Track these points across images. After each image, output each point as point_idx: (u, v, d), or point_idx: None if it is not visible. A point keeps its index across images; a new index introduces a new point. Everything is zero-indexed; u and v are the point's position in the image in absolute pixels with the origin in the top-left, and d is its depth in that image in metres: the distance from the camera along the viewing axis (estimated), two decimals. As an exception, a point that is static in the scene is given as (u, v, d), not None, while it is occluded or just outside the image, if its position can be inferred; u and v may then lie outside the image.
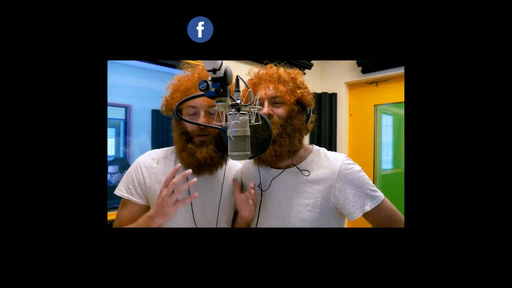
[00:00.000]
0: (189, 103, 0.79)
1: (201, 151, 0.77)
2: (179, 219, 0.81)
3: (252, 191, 0.81)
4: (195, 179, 0.71)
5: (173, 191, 0.70)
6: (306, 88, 0.83)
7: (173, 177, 0.71)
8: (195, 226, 0.83)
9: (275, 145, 0.77)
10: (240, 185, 0.98)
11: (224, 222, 0.89)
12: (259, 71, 0.85)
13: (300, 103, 0.82)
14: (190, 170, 0.71)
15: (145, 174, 0.83)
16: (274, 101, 0.80)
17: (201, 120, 0.78)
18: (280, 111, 0.79)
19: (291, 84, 0.80)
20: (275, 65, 0.86)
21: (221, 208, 0.87)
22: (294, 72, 0.84)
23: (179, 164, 0.75)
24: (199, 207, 0.84)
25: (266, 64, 0.87)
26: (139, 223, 0.76)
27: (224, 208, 0.88)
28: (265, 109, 0.79)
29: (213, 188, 0.88)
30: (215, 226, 0.86)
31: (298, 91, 0.80)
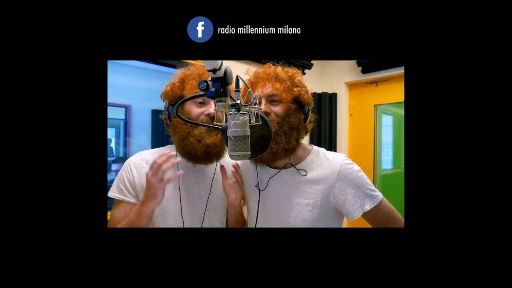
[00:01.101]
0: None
1: (210, 136, 0.79)
2: (167, 214, 0.82)
3: (237, 176, 0.86)
4: (178, 159, 0.76)
5: (157, 172, 0.71)
6: (304, 86, 0.83)
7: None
8: (181, 221, 0.83)
9: (271, 142, 0.77)
10: None
11: (217, 222, 0.89)
12: (257, 70, 0.85)
13: (298, 102, 0.82)
14: (173, 152, 0.73)
15: (135, 174, 0.83)
16: (271, 99, 0.80)
17: (212, 108, 0.80)
18: (277, 109, 0.80)
19: (288, 83, 0.81)
20: (273, 64, 0.86)
21: (210, 205, 0.87)
22: (292, 71, 0.85)
23: (168, 151, 0.75)
24: (187, 201, 0.85)
25: (264, 63, 0.87)
26: (132, 213, 0.77)
27: (214, 205, 0.88)
28: (262, 107, 0.79)
29: (203, 186, 0.88)
30: (201, 222, 0.86)
31: (295, 89, 0.80)
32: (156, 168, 0.71)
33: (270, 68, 0.83)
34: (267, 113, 0.79)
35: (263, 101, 0.80)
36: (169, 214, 0.83)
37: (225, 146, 0.82)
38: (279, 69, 0.83)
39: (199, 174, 0.88)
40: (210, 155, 0.81)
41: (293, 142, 0.81)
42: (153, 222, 0.81)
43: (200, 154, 0.80)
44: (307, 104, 0.83)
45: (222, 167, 0.87)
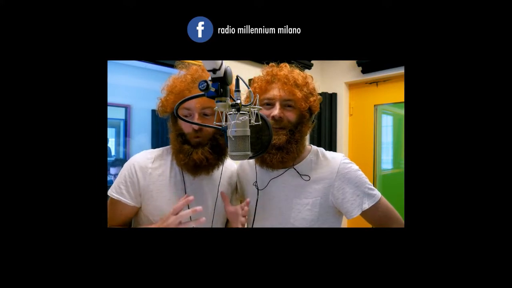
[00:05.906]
0: (183, 105, 0.78)
1: (197, 152, 0.78)
2: None
3: (246, 208, 0.81)
4: (200, 208, 0.73)
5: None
6: (317, 95, 0.83)
7: (182, 206, 0.73)
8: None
9: (282, 152, 0.77)
10: (235, 186, 0.98)
11: (220, 224, 0.89)
12: (272, 70, 0.83)
13: (310, 110, 0.82)
14: (192, 197, 0.73)
15: (140, 174, 0.81)
16: (286, 104, 0.79)
17: (195, 120, 0.78)
18: (291, 114, 0.79)
19: (305, 90, 0.79)
20: (289, 65, 0.84)
21: (216, 209, 0.87)
22: (307, 75, 0.83)
23: (192, 197, 0.74)
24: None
25: (279, 63, 0.85)
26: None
27: (219, 210, 0.88)
28: (277, 111, 0.78)
29: (209, 190, 0.88)
30: (210, 227, 0.86)
31: (312, 99, 0.80)
32: (179, 219, 0.72)
33: (287, 69, 0.81)
34: (280, 118, 0.78)
35: (277, 104, 0.79)
36: None
37: (217, 156, 0.81)
38: (296, 72, 0.81)
39: (206, 181, 0.87)
40: (200, 168, 0.80)
41: (301, 150, 0.82)
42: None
43: (190, 168, 0.79)
44: (316, 112, 0.84)
45: (222, 193, 0.85)
